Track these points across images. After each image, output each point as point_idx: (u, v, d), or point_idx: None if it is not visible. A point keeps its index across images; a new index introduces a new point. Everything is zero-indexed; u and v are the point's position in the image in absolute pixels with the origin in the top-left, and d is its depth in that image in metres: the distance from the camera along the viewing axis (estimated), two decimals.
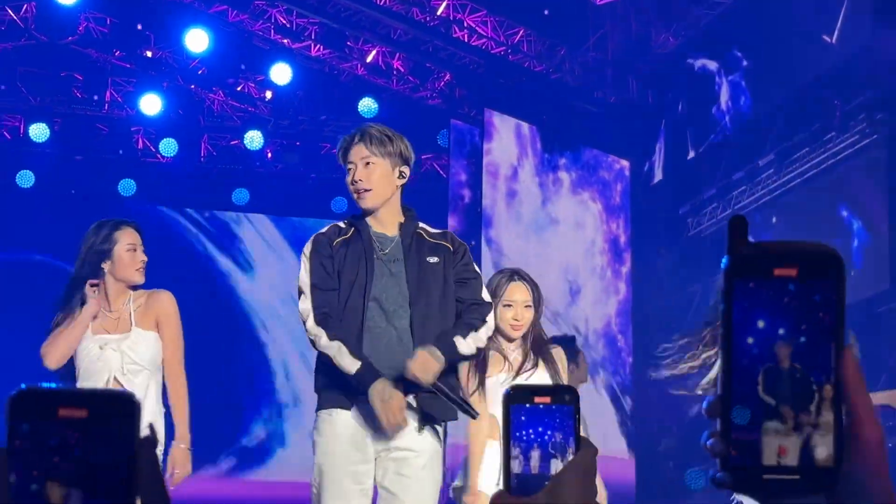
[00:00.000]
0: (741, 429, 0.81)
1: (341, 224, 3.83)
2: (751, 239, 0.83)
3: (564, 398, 0.99)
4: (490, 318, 3.73)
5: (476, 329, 3.63)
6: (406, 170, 3.81)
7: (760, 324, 0.81)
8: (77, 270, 4.09)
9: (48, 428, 0.75)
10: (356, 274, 3.63)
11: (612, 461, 9.74)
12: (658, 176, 10.65)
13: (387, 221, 3.74)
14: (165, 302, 4.14)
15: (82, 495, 0.74)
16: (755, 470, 0.81)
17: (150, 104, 9.92)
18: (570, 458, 0.98)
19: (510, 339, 4.30)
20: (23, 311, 7.60)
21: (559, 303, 10.32)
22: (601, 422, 10.20)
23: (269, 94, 10.38)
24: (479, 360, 4.17)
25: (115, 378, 3.94)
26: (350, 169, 3.75)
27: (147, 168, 10.49)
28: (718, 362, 0.83)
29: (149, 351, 4.04)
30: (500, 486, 0.99)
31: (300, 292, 3.66)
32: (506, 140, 10.23)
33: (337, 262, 3.66)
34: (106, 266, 4.03)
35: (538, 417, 0.98)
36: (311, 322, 3.60)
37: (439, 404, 3.61)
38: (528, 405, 0.99)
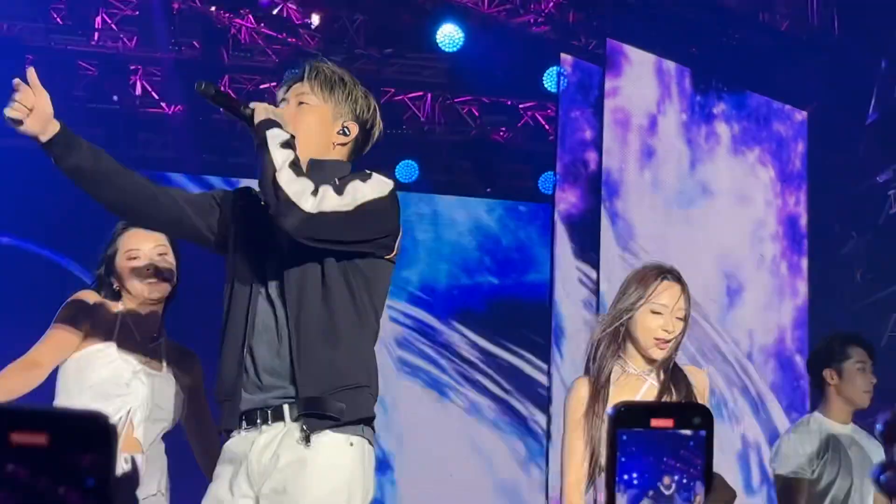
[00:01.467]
0: None
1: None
2: None
3: (693, 421, 0.86)
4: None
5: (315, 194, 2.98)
6: (353, 126, 3.29)
7: None
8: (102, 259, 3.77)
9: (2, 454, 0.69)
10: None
11: None
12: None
13: None
14: (200, 370, 3.81)
15: None
16: None
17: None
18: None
19: (650, 360, 3.60)
20: None
21: (711, 306, 8.62)
22: (759, 477, 8.62)
23: (315, 20, 8.27)
24: (601, 383, 3.54)
25: (131, 418, 3.56)
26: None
27: (149, 122, 8.35)
28: None
29: (175, 404, 3.69)
30: None
31: None
32: (641, 78, 8.47)
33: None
34: (116, 284, 3.69)
35: (656, 447, 0.85)
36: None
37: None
38: (642, 430, 0.85)
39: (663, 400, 3.54)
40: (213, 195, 3.31)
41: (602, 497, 3.38)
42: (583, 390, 3.52)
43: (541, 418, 8.63)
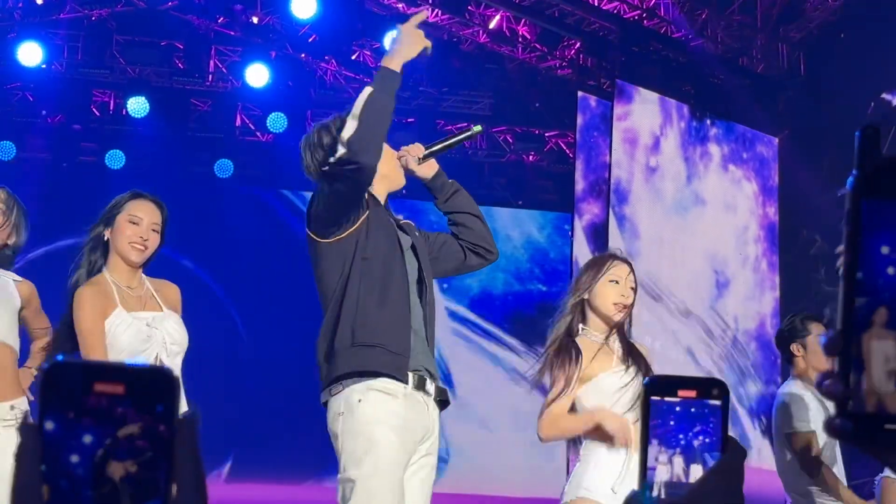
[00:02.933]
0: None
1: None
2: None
3: (712, 392, 0.93)
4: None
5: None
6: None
7: (886, 250, 0.74)
8: (88, 233, 3.87)
9: (83, 403, 0.73)
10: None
11: (759, 472, 8.74)
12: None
13: None
14: (177, 295, 3.95)
15: (118, 474, 0.73)
16: (877, 418, 0.74)
17: (257, 75, 9.09)
18: (716, 461, 0.91)
19: (609, 324, 3.79)
20: None
21: (703, 296, 9.43)
22: (752, 435, 9.43)
23: None
24: (570, 353, 3.73)
25: (160, 360, 3.72)
26: None
27: (245, 148, 9.71)
28: (840, 292, 0.76)
29: (181, 334, 3.83)
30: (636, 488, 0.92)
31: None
32: (647, 106, 9.33)
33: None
34: (107, 233, 3.80)
35: (682, 414, 0.92)
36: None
37: None
38: (670, 399, 0.92)
39: (629, 362, 3.75)
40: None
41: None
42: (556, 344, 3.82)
43: None
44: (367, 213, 3.35)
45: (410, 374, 3.26)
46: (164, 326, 3.77)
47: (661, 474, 0.92)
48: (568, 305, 3.84)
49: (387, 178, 3.48)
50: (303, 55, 9.34)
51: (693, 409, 0.92)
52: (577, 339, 3.77)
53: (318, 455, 7.99)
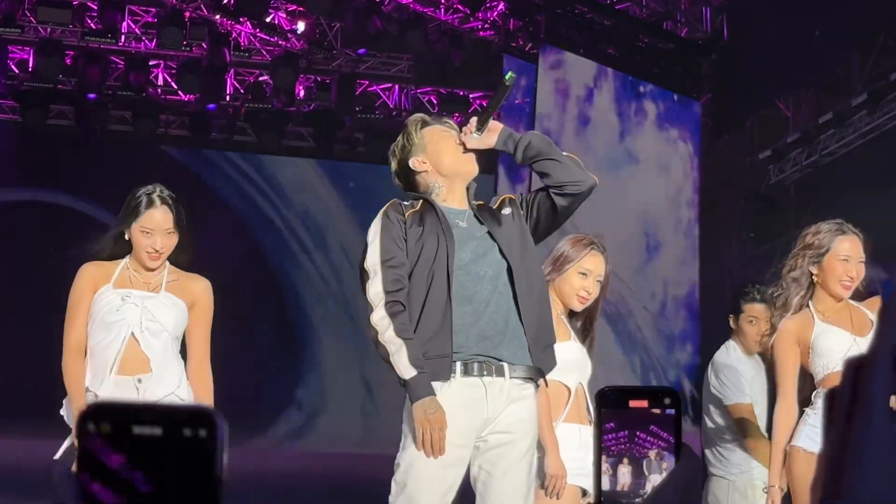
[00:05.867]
0: None
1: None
2: None
3: (664, 401, 0.91)
4: None
5: None
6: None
7: None
8: (114, 228, 3.94)
9: (120, 446, 0.73)
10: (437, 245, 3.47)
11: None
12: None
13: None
14: (205, 288, 3.95)
15: None
16: None
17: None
18: (670, 471, 0.90)
19: (567, 308, 3.98)
20: None
21: (632, 260, 9.31)
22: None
23: (301, 26, 9.43)
24: None
25: (133, 334, 3.73)
26: None
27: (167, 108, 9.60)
28: None
29: (174, 315, 3.83)
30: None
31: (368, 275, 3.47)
32: (578, 62, 9.14)
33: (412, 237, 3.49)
34: (128, 234, 3.87)
35: (633, 423, 0.91)
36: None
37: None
38: (621, 409, 0.91)
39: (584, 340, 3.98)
40: None
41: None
42: None
43: None
44: (407, 239, 3.45)
45: (458, 365, 3.37)
46: (147, 304, 3.79)
47: (616, 484, 0.92)
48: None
49: (452, 174, 3.53)
50: (217, 16, 9.22)
51: (645, 419, 0.91)
52: None
53: None
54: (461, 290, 3.40)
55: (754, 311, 4.71)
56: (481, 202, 3.61)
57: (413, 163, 3.55)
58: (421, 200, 3.51)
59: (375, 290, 3.37)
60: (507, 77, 3.55)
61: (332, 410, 10.36)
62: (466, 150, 3.51)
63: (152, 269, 3.88)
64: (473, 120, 3.51)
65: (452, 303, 3.37)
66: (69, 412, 3.79)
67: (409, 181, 3.59)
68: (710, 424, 4.90)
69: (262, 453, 9.43)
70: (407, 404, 3.35)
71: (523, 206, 3.62)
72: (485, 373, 3.38)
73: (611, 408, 0.92)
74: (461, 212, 3.54)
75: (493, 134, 3.50)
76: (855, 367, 0.80)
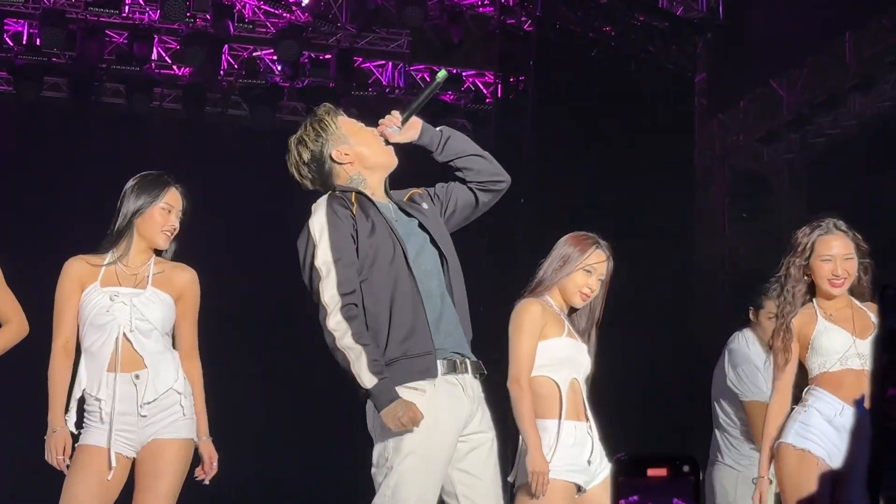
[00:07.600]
0: None
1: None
2: None
3: (683, 469, 0.90)
4: None
5: None
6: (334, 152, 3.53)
7: None
8: (116, 214, 3.99)
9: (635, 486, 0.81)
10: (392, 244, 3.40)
11: None
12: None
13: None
14: (190, 279, 4.03)
15: None
16: None
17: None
18: None
19: (568, 304, 4.07)
20: None
21: None
22: None
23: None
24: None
25: (125, 335, 3.83)
26: None
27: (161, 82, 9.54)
28: None
29: (161, 312, 3.91)
30: None
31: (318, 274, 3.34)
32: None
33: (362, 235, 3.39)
34: (136, 220, 3.93)
35: (651, 493, 0.89)
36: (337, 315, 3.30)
37: None
38: (639, 478, 0.89)
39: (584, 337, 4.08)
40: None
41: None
42: (535, 307, 4.03)
43: None
44: (357, 236, 3.34)
45: (440, 363, 3.31)
46: (135, 302, 3.85)
47: None
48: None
49: (376, 167, 3.47)
50: None
51: (665, 489, 0.89)
52: (538, 302, 4.02)
53: None
54: (422, 286, 3.35)
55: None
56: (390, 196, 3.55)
57: (335, 154, 3.44)
58: (353, 193, 3.41)
59: (330, 293, 3.26)
60: (438, 74, 3.60)
61: None
62: (387, 143, 3.48)
63: (160, 248, 3.96)
64: (395, 113, 3.49)
65: (423, 299, 3.32)
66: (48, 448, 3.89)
67: (322, 173, 3.46)
68: (722, 413, 4.99)
69: None
70: (370, 406, 3.31)
71: (436, 199, 3.58)
72: (459, 370, 3.36)
73: (628, 477, 0.90)
74: (386, 205, 3.46)
75: (415, 129, 3.48)
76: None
